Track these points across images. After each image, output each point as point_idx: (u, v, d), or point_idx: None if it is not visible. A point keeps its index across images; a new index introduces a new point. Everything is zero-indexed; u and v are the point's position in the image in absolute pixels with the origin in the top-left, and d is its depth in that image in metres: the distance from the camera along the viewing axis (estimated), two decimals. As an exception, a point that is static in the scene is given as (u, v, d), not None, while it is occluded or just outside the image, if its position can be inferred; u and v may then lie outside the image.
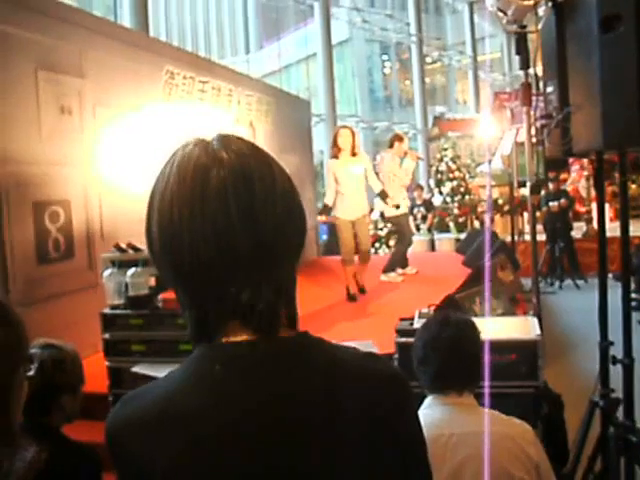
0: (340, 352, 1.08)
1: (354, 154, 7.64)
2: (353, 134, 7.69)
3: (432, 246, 14.27)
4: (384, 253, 13.63)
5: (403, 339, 3.38)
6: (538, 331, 3.32)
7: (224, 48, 37.10)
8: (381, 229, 14.53)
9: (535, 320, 3.54)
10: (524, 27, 3.65)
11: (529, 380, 3.16)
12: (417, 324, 3.43)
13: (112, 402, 3.53)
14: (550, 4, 3.48)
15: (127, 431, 1.02)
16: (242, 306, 1.01)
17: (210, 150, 1.02)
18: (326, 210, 8.00)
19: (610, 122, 3.07)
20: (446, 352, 2.23)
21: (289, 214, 1.04)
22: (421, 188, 14.87)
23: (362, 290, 8.01)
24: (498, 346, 2.78)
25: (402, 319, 3.63)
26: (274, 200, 1.01)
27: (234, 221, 0.97)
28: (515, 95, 18.23)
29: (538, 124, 3.58)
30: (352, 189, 7.61)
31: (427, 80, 27.28)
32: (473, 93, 31.00)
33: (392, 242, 11.66)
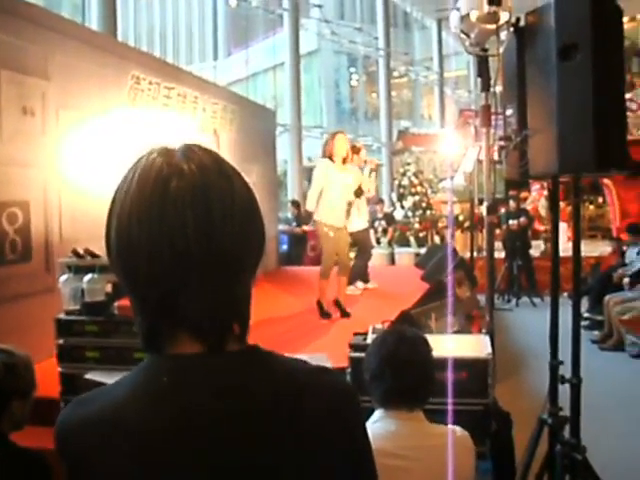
0: (290, 365, 1.10)
1: (345, 162, 7.41)
2: (348, 142, 7.50)
3: (392, 260, 14.34)
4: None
5: (356, 354, 3.41)
6: (489, 349, 3.38)
7: (192, 53, 36.98)
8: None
9: (487, 338, 3.60)
10: (486, 50, 3.72)
11: (479, 398, 3.22)
12: (370, 339, 3.46)
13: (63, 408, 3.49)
14: (512, 29, 3.56)
15: (74, 433, 1.04)
16: (192, 318, 1.03)
17: (173, 161, 1.03)
18: (310, 217, 7.53)
19: (566, 147, 3.15)
20: (401, 369, 2.26)
21: (246, 230, 1.06)
22: (382, 202, 14.96)
23: (346, 313, 7.28)
24: (450, 363, 2.82)
25: (356, 334, 3.67)
26: (231, 215, 1.03)
27: (189, 234, 0.99)
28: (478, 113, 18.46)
29: (497, 145, 3.63)
30: (340, 197, 7.33)
31: (393, 94, 27.46)
32: (438, 109, 31.28)
33: (352, 255, 11.69)
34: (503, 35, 3.63)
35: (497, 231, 12.56)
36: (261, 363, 1.08)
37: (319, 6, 22.06)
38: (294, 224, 13.64)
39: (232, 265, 1.04)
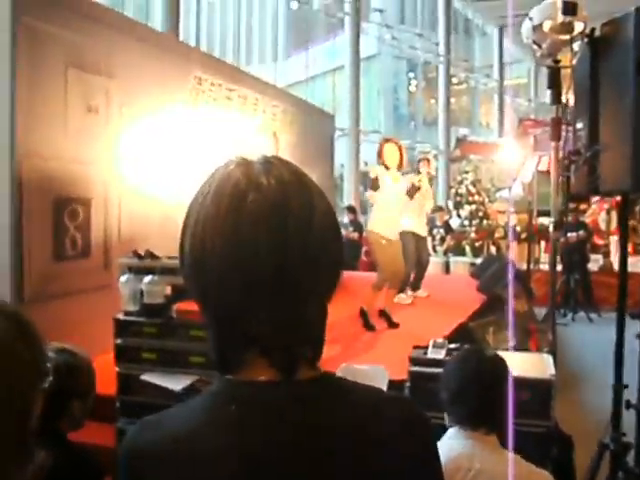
0: (363, 394, 1.06)
1: (400, 170, 7.13)
2: (400, 149, 7.15)
3: (447, 268, 14.21)
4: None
5: (417, 368, 3.35)
6: (552, 370, 3.29)
7: (252, 55, 37.23)
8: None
9: (550, 358, 3.51)
10: (558, 62, 3.63)
11: (541, 419, 3.13)
12: (431, 354, 3.40)
13: (119, 408, 3.51)
14: (586, 40, 3.46)
15: (141, 461, 1.00)
16: (263, 341, 0.99)
17: (251, 174, 0.99)
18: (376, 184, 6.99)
19: (640, 164, 3.05)
20: (485, 390, 2.24)
21: (324, 251, 1.00)
22: (442, 209, 14.81)
23: (393, 324, 6.94)
24: (515, 383, 2.75)
25: (416, 347, 3.60)
26: (309, 234, 0.98)
27: (263, 254, 0.94)
28: (540, 123, 18.22)
29: (565, 159, 3.54)
30: (394, 207, 7.04)
31: (452, 100, 27.26)
32: (497, 117, 30.95)
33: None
34: (576, 46, 3.52)
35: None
36: (336, 394, 1.03)
37: (380, 10, 22.03)
38: (350, 229, 13.55)
39: (306, 286, 0.98)
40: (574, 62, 3.49)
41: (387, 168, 7.03)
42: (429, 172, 9.09)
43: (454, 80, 28.90)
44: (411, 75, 33.96)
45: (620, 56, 3.18)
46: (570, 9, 3.31)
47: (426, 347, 3.51)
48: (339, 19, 20.25)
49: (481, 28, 33.53)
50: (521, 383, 3.09)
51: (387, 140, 7.38)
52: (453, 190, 16.77)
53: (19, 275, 4.88)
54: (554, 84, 3.62)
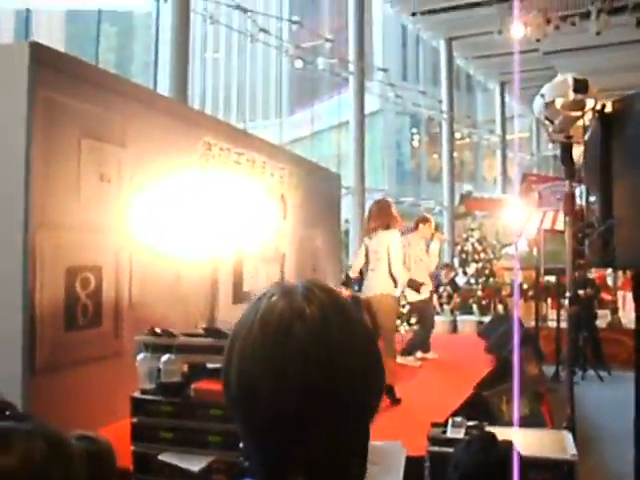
0: None
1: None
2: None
3: (454, 327, 14.15)
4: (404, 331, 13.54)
5: (436, 448, 3.32)
6: (574, 450, 3.25)
7: (256, 111, 37.57)
8: (403, 306, 14.45)
9: (569, 436, 3.47)
10: (570, 137, 3.67)
11: (563, 500, 3.09)
12: (451, 433, 3.37)
13: (135, 487, 3.49)
14: (597, 115, 3.51)
15: None
16: (311, 462, 1.00)
17: (294, 304, 1.02)
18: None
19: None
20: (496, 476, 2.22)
21: (367, 372, 1.05)
22: (448, 267, 14.81)
23: (396, 400, 6.39)
24: (534, 463, 2.72)
25: (434, 424, 3.57)
26: (353, 358, 1.02)
27: (312, 381, 0.98)
28: (544, 178, 18.32)
29: (579, 233, 3.56)
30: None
31: (454, 155, 27.44)
32: (500, 172, 31.12)
33: (413, 320, 11.56)
34: (588, 121, 3.57)
35: (562, 301, 12.32)
36: None
37: (384, 70, 22.31)
38: (356, 288, 13.53)
39: (353, 409, 1.02)
40: (586, 138, 3.53)
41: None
42: (441, 238, 9.22)
43: (457, 135, 29.12)
44: (414, 131, 34.22)
45: (632, 132, 3.22)
46: (582, 87, 3.37)
47: (444, 424, 3.49)
48: (343, 78, 20.49)
49: (483, 84, 33.90)
50: (542, 463, 3.06)
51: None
52: (459, 247, 16.75)
53: (31, 345, 4.87)
54: (567, 160, 3.65)
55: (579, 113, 3.47)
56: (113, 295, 5.79)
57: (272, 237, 9.16)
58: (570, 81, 3.39)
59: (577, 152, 3.63)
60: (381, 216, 7.24)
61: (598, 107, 3.45)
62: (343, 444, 1.02)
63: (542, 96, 3.57)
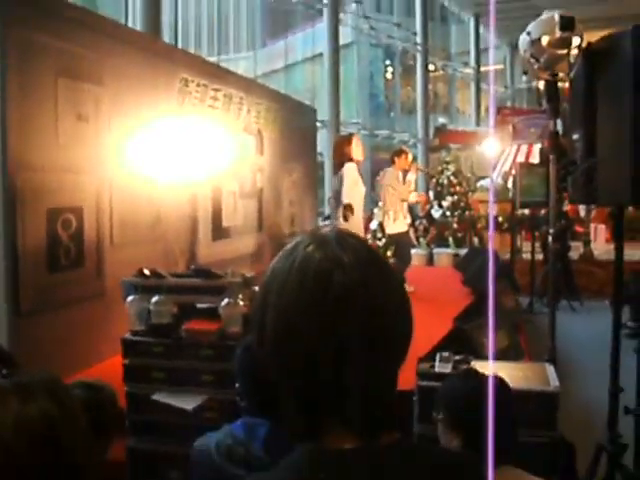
0: (441, 459, 1.12)
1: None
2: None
3: (431, 260, 14.25)
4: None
5: (425, 382, 3.42)
6: (557, 382, 3.35)
7: (228, 44, 36.91)
8: (379, 239, 14.53)
9: (552, 368, 3.57)
10: (555, 75, 3.67)
11: (547, 430, 3.19)
12: (439, 368, 3.46)
13: (129, 427, 3.53)
14: (582, 53, 3.51)
15: None
16: (346, 410, 1.03)
17: (330, 253, 1.04)
18: (351, 209, 7.31)
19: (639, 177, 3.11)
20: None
21: (402, 318, 1.09)
22: (426, 199, 14.80)
23: None
24: (518, 395, 2.80)
25: (420, 359, 3.66)
26: (389, 305, 1.06)
27: (350, 326, 1.01)
28: (518, 111, 18.31)
29: (562, 170, 3.59)
30: (360, 207, 7.28)
31: (429, 87, 27.26)
32: (474, 104, 31.03)
33: (389, 253, 11.61)
34: (573, 58, 3.57)
35: (536, 233, 12.46)
36: (415, 458, 1.08)
37: (359, 2, 21.97)
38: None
39: (387, 357, 1.06)
40: (571, 75, 3.54)
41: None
42: (419, 168, 9.24)
43: (431, 67, 28.90)
44: (387, 63, 33.88)
45: (618, 71, 3.23)
46: (568, 24, 3.35)
47: (432, 359, 3.57)
48: (317, 10, 20.17)
49: (457, 15, 33.53)
50: (525, 395, 3.16)
51: (352, 135, 7.59)
52: (434, 180, 16.76)
53: (15, 288, 4.87)
54: (552, 98, 3.66)
55: (565, 51, 3.47)
56: (94, 236, 5.77)
57: (249, 173, 9.13)
58: (557, 18, 3.38)
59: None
60: (336, 156, 7.38)
61: (584, 45, 3.45)
62: (381, 388, 1.06)
63: (528, 34, 3.55)
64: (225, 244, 8.25)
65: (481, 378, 2.38)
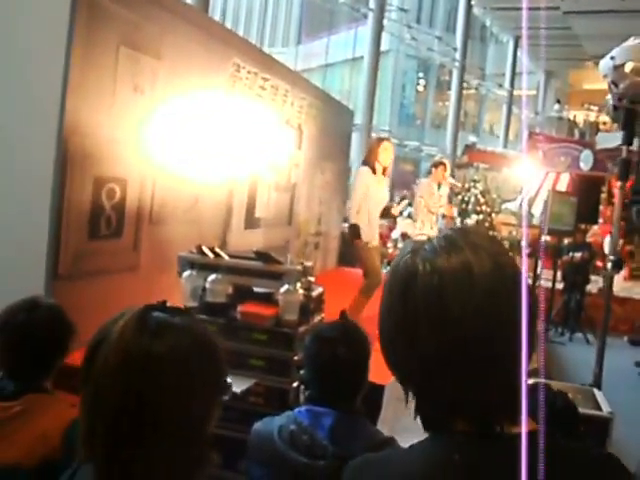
0: (579, 456, 1.12)
1: (384, 173, 7.08)
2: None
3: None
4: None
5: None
6: (609, 407, 3.31)
7: (275, 38, 36.98)
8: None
9: (600, 393, 3.53)
10: (635, 103, 3.63)
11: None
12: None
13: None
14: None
15: None
16: (471, 409, 1.08)
17: (464, 257, 1.10)
18: (357, 231, 6.86)
19: None
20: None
21: (518, 308, 1.08)
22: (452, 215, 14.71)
23: None
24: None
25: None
26: (517, 301, 1.06)
27: (499, 320, 1.06)
28: (549, 139, 18.26)
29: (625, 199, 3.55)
30: (377, 212, 7.03)
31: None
32: (504, 126, 31.00)
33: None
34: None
35: (558, 262, 12.42)
36: (550, 452, 1.06)
37: (404, 10, 21.98)
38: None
39: (511, 347, 1.06)
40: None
41: (374, 170, 6.98)
42: (452, 183, 9.24)
43: (464, 85, 28.90)
44: (420, 75, 33.86)
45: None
46: (656, 53, 3.32)
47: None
48: (362, 14, 20.19)
49: (496, 36, 33.55)
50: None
51: (384, 139, 7.45)
52: (459, 197, 16.68)
53: (56, 251, 4.86)
54: (628, 125, 3.63)
55: (647, 80, 3.44)
56: (135, 208, 5.75)
57: (286, 166, 9.12)
58: (643, 46, 3.35)
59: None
60: (366, 155, 7.23)
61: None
62: (497, 388, 1.07)
63: (612, 58, 3.51)
64: (255, 234, 8.23)
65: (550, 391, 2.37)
